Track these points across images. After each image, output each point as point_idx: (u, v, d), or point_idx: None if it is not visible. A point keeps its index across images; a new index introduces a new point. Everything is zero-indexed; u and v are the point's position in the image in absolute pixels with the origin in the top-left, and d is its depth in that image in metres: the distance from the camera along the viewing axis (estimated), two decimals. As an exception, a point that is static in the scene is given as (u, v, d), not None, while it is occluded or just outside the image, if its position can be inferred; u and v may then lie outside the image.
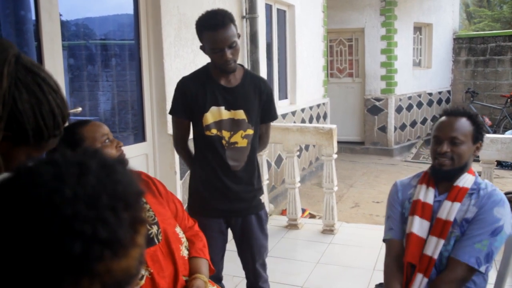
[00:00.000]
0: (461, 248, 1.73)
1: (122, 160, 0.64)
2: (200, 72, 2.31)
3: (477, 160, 3.71)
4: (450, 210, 1.78)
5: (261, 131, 2.41)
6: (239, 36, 2.18)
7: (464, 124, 1.84)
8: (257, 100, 2.29)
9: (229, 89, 2.24)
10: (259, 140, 2.41)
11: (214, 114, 2.22)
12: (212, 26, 2.08)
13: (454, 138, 1.81)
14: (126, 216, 0.58)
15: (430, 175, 1.92)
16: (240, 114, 2.24)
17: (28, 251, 0.53)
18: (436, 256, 1.77)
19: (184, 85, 2.27)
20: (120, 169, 0.61)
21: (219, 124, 2.23)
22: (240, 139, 2.26)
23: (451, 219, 1.77)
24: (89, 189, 0.56)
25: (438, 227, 1.79)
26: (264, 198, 2.46)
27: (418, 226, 1.84)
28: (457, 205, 1.78)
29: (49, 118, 0.92)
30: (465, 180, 1.83)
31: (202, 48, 2.21)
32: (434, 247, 1.78)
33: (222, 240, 2.41)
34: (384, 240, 1.98)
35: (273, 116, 2.41)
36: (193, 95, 2.23)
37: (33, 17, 2.55)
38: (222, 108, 2.22)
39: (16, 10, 2.61)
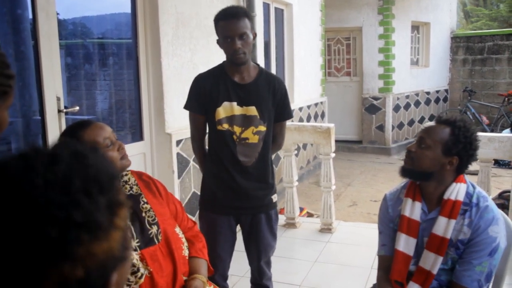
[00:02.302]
0: (463, 272, 1.71)
1: (94, 148, 0.65)
2: (215, 69, 2.36)
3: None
4: (446, 227, 1.74)
5: (276, 130, 2.41)
6: (255, 35, 2.26)
7: (440, 131, 1.75)
8: (270, 98, 2.31)
9: (242, 86, 2.27)
10: (273, 140, 2.41)
11: (226, 109, 2.25)
12: (225, 16, 2.18)
13: (422, 140, 1.77)
14: (102, 199, 0.58)
15: (415, 186, 1.87)
16: (252, 111, 2.26)
17: (6, 242, 0.54)
18: (435, 272, 1.75)
19: (199, 80, 2.33)
20: (92, 155, 0.62)
21: (230, 119, 2.26)
22: (251, 135, 2.28)
23: (448, 236, 1.73)
24: (60, 175, 0.56)
25: (434, 243, 1.76)
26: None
27: (404, 243, 1.82)
28: (453, 222, 1.73)
29: None
30: (457, 192, 1.76)
31: (218, 42, 2.26)
32: (433, 263, 1.76)
33: (231, 238, 2.42)
34: (378, 256, 1.98)
35: (288, 115, 2.43)
36: (206, 90, 2.27)
37: (30, 16, 2.54)
38: (235, 103, 2.25)
39: (13, 9, 2.60)
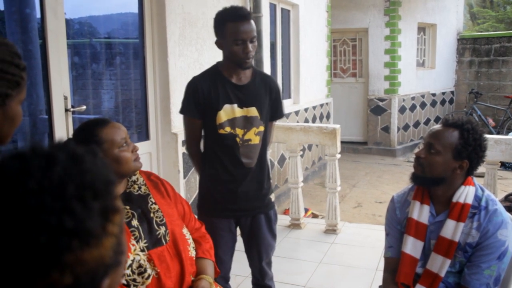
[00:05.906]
0: (472, 275, 1.70)
1: (92, 150, 0.63)
2: (210, 71, 2.30)
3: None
4: (455, 230, 1.72)
5: (268, 129, 2.41)
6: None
7: (449, 135, 1.71)
8: (267, 97, 2.31)
9: (240, 87, 2.24)
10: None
11: (228, 112, 2.22)
12: (239, 17, 2.10)
13: (431, 146, 1.73)
14: (95, 205, 0.57)
15: (423, 189, 1.85)
16: (253, 111, 2.25)
17: None
18: (443, 274, 1.74)
19: (196, 84, 2.25)
20: (90, 159, 0.61)
21: (232, 122, 2.22)
22: (254, 136, 2.27)
23: (457, 239, 1.71)
24: (55, 180, 0.55)
25: (443, 246, 1.74)
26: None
27: (411, 246, 1.81)
28: (461, 225, 1.71)
29: (11, 71, 0.96)
30: (465, 195, 1.74)
31: (217, 43, 2.20)
32: (440, 266, 1.74)
33: (231, 240, 2.41)
34: (385, 257, 1.97)
35: (281, 114, 2.43)
36: (205, 94, 2.21)
37: (38, 15, 2.56)
38: (235, 105, 2.22)
39: (21, 8, 2.62)
